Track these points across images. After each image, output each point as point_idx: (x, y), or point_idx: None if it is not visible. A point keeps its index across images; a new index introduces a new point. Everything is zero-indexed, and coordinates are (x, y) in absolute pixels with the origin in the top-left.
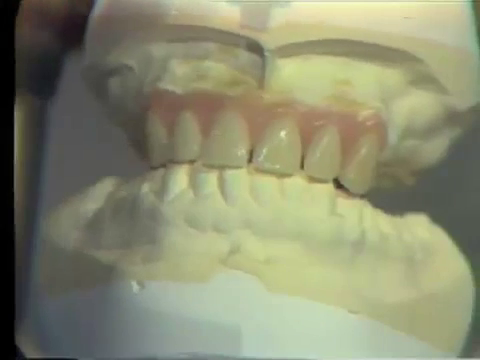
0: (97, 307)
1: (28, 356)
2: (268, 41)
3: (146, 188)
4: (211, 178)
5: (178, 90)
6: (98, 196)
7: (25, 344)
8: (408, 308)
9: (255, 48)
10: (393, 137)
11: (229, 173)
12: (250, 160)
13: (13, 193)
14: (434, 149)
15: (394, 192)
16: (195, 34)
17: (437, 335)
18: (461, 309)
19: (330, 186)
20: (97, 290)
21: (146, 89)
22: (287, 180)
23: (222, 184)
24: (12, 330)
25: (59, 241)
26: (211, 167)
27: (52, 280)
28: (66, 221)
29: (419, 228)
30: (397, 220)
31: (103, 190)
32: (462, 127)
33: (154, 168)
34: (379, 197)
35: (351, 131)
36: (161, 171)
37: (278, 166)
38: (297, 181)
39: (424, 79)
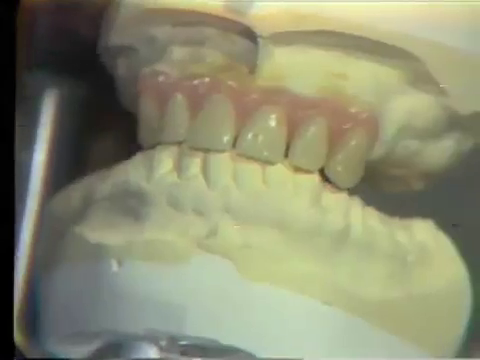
0: (80, 283)
1: (28, 356)
2: (262, 28)
3: (133, 169)
4: (195, 161)
5: (173, 73)
6: (100, 179)
7: (25, 344)
8: (392, 307)
9: (250, 35)
10: (386, 134)
11: (212, 157)
12: (235, 145)
13: (14, 193)
14: (437, 152)
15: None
16: (196, 19)
17: (425, 338)
18: (454, 315)
19: (314, 177)
20: (82, 267)
21: (144, 70)
22: (270, 168)
23: (205, 167)
24: (12, 330)
25: (58, 220)
26: (197, 150)
27: (46, 257)
28: (66, 204)
29: (421, 231)
30: (394, 221)
31: (105, 175)
32: (470, 133)
33: (145, 149)
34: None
35: (340, 123)
36: (150, 152)
37: (262, 153)
38: (280, 169)
39: (422, 79)
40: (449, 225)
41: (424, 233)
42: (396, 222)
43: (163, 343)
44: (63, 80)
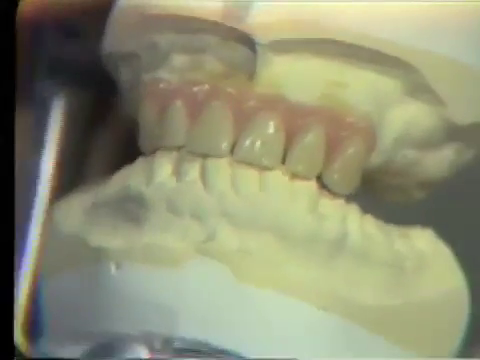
0: (80, 284)
1: (28, 356)
2: (262, 36)
3: (134, 174)
4: (193, 166)
5: (173, 79)
6: (102, 186)
7: (25, 344)
8: (389, 314)
9: (249, 42)
10: (384, 143)
11: (210, 162)
12: (233, 151)
13: (13, 193)
14: (436, 162)
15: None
16: (196, 26)
17: (422, 345)
18: (452, 323)
19: (312, 184)
20: (82, 269)
21: (145, 77)
22: (267, 174)
23: (203, 173)
24: (12, 330)
25: (61, 227)
26: (196, 155)
27: (49, 262)
28: (71, 209)
29: (420, 240)
30: (392, 229)
31: (107, 181)
32: (468, 144)
33: (145, 155)
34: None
35: (338, 131)
36: (150, 158)
37: (259, 159)
38: (277, 175)
39: (420, 89)
40: (448, 234)
41: (423, 241)
42: (395, 230)
43: (158, 344)
44: (70, 88)
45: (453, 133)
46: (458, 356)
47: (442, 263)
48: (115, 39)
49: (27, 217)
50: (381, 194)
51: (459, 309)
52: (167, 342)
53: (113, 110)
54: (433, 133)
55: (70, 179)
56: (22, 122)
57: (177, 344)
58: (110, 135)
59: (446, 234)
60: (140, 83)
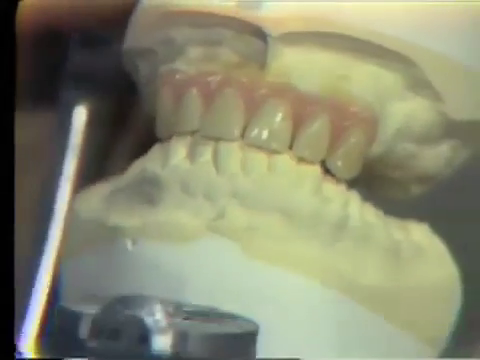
0: (99, 260)
1: (28, 356)
2: (273, 28)
3: (150, 158)
4: (206, 149)
5: (189, 70)
6: (121, 176)
7: (25, 344)
8: (387, 294)
9: (261, 35)
10: (385, 134)
11: (222, 146)
12: (244, 135)
13: (13, 194)
14: (433, 157)
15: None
16: (211, 21)
17: (418, 326)
18: (444, 309)
19: (317, 168)
20: (101, 248)
21: (162, 69)
22: (275, 157)
23: (215, 155)
24: (12, 330)
25: (81, 214)
26: (208, 139)
27: (70, 245)
28: (90, 197)
29: (416, 232)
30: (390, 220)
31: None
32: (465, 142)
33: (161, 141)
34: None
35: (342, 120)
36: (166, 143)
37: (268, 143)
38: (285, 159)
39: (420, 84)
40: (442, 231)
41: (419, 234)
42: (393, 221)
43: (170, 309)
44: (92, 95)
45: (450, 129)
46: (459, 356)
47: (436, 255)
48: (134, 37)
49: (50, 211)
50: (381, 188)
51: (451, 297)
52: (178, 307)
53: (134, 113)
54: (431, 128)
55: (92, 178)
56: (47, 125)
57: (187, 308)
58: (131, 137)
59: (441, 231)
60: (157, 75)
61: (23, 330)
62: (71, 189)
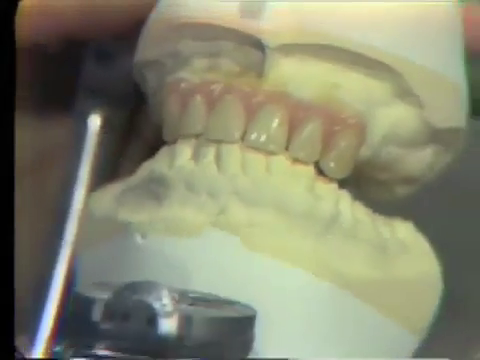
0: (110, 253)
1: (28, 356)
2: (270, 40)
3: (158, 160)
4: (209, 151)
5: (194, 79)
6: (131, 177)
7: (25, 344)
8: (374, 285)
9: (259, 46)
10: (372, 139)
11: (224, 147)
12: (244, 138)
13: (13, 194)
14: (416, 161)
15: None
16: (214, 34)
17: (402, 315)
18: (426, 300)
19: (310, 169)
20: (112, 242)
21: (168, 79)
22: (273, 158)
23: (217, 156)
24: (12, 330)
25: (95, 211)
26: (211, 142)
27: (85, 239)
28: (103, 196)
29: (401, 229)
30: (379, 217)
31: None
32: (446, 148)
33: (168, 143)
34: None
35: (333, 125)
36: (172, 146)
37: (266, 145)
38: (281, 160)
39: (405, 93)
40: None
41: (404, 231)
42: (380, 219)
43: (176, 296)
44: (106, 105)
45: (433, 136)
46: (461, 357)
47: (420, 251)
48: (143, 50)
49: (67, 210)
50: (369, 189)
51: (433, 290)
52: (183, 294)
53: (143, 121)
54: (415, 134)
55: (104, 180)
56: (63, 132)
57: (191, 295)
58: (140, 143)
59: (424, 229)
60: (164, 85)
61: (38, 324)
62: (86, 190)
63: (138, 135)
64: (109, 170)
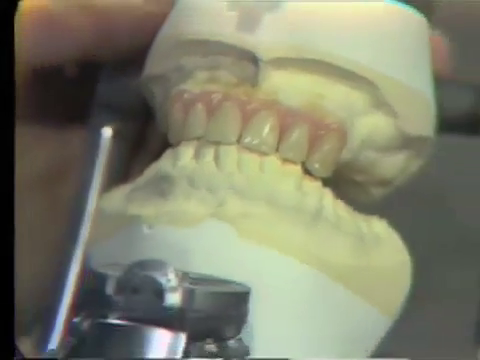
0: (120, 241)
1: (28, 356)
2: (263, 55)
3: (164, 160)
4: (209, 152)
5: (195, 89)
6: (140, 177)
7: (25, 344)
8: (353, 271)
9: (254, 59)
10: (352, 143)
11: (222, 148)
12: (239, 141)
13: (13, 194)
14: (390, 165)
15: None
16: (214, 50)
17: (377, 299)
18: (398, 287)
19: (298, 168)
20: (122, 232)
21: (173, 91)
22: (265, 158)
23: (216, 156)
24: (12, 330)
25: (106, 209)
26: (211, 143)
27: (97, 233)
28: (114, 196)
29: (376, 225)
30: (357, 214)
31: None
32: (417, 154)
33: (173, 146)
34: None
35: (318, 130)
36: (176, 148)
37: (259, 147)
38: (273, 160)
39: (381, 104)
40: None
41: (379, 227)
42: (359, 216)
43: (179, 276)
44: (116, 118)
45: (405, 142)
46: (464, 357)
47: (393, 243)
48: (151, 65)
49: (83, 211)
50: (347, 189)
51: (404, 278)
52: (185, 274)
53: (150, 133)
54: (390, 140)
55: (115, 185)
56: (79, 143)
57: (192, 275)
58: (148, 153)
59: (396, 226)
60: (169, 96)
61: (55, 314)
62: (99, 193)
63: (146, 146)
64: (119, 176)
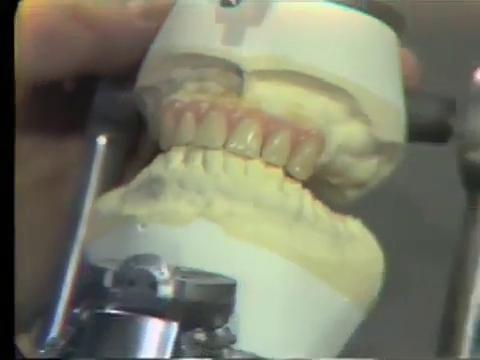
0: (115, 239)
1: (28, 356)
2: (247, 67)
3: (155, 163)
4: (198, 156)
5: (185, 99)
6: (134, 180)
7: (25, 344)
8: (331, 266)
9: (239, 71)
10: (330, 148)
11: (209, 153)
12: (225, 146)
13: (13, 194)
14: (364, 168)
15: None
16: (202, 63)
17: (352, 292)
18: (371, 282)
19: (280, 171)
20: (117, 231)
21: (164, 101)
22: (249, 162)
23: (204, 160)
24: (12, 330)
25: (102, 210)
26: (199, 148)
27: (93, 233)
28: (109, 198)
29: (351, 224)
30: (334, 214)
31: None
32: (390, 159)
33: (164, 151)
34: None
35: (298, 136)
36: (167, 152)
37: (244, 152)
38: (256, 163)
39: (356, 112)
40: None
41: (354, 226)
42: (336, 215)
43: (171, 270)
44: (111, 127)
45: (378, 148)
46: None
47: (366, 241)
48: (143, 78)
49: (79, 214)
50: (324, 191)
51: (376, 273)
52: (177, 269)
53: (143, 142)
54: (364, 146)
55: (109, 190)
56: (76, 151)
57: (183, 269)
58: (140, 160)
59: (369, 226)
60: (161, 106)
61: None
62: (94, 197)
63: (138, 153)
64: (114, 181)
